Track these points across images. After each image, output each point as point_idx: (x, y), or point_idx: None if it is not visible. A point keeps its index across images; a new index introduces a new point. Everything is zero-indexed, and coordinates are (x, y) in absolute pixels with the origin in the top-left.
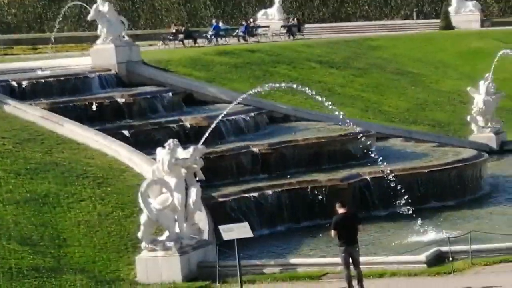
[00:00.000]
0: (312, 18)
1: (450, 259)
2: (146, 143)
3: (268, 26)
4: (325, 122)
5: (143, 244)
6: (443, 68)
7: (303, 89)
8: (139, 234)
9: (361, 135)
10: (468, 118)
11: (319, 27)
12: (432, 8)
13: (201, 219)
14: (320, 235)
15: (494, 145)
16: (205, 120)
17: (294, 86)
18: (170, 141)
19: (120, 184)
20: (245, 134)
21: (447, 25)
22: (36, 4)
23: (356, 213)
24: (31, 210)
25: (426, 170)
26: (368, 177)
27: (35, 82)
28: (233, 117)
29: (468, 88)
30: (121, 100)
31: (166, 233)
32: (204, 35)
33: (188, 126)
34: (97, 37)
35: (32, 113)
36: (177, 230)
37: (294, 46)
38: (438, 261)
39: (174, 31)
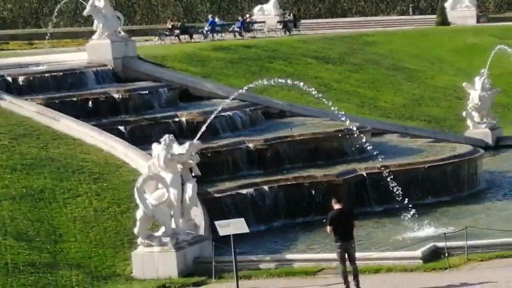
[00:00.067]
0: (308, 14)
1: (446, 254)
2: (142, 139)
3: (264, 22)
4: (321, 118)
5: (139, 240)
6: (439, 63)
7: (309, 90)
8: (135, 230)
9: (357, 130)
10: (464, 113)
11: (315, 22)
12: (428, 4)
13: (197, 214)
14: (316, 230)
15: (489, 140)
16: (201, 116)
17: (301, 84)
18: (166, 136)
19: (116, 180)
20: (241, 129)
21: (443, 21)
22: None
23: (352, 208)
24: (27, 205)
25: (422, 166)
26: (364, 173)
27: (31, 77)
28: (228, 112)
29: (464, 84)
30: (117, 96)
31: (162, 229)
32: (200, 30)
33: (184, 121)
34: (93, 32)
35: (28, 108)
36: (173, 225)
37: (290, 41)
38: (434, 256)
39: (170, 26)
